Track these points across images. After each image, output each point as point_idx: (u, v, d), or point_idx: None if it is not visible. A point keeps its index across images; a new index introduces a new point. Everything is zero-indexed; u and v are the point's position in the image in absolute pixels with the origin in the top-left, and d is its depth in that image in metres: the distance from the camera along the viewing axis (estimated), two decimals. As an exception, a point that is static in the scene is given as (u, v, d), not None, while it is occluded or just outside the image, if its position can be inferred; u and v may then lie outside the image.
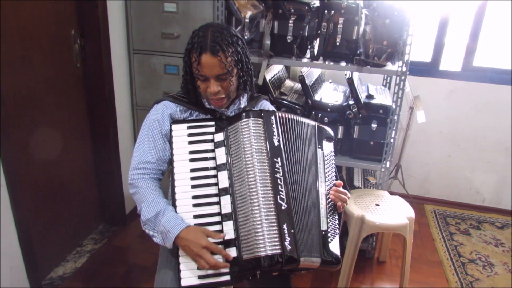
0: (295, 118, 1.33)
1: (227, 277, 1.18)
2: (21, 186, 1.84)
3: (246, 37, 2.13)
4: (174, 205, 1.24)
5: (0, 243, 1.72)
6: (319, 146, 1.36)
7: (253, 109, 1.45)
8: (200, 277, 1.18)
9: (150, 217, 1.23)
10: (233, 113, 1.41)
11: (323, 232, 1.26)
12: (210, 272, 1.17)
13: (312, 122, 1.39)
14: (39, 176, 2.06)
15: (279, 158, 1.23)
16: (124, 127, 2.54)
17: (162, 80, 2.45)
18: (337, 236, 1.29)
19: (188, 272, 1.19)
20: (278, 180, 1.20)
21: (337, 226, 1.30)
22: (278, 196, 1.19)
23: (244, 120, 1.25)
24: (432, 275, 2.36)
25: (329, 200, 1.32)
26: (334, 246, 1.27)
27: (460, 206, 3.16)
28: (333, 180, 1.36)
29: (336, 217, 1.32)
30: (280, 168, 1.22)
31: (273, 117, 1.28)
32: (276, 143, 1.25)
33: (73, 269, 2.26)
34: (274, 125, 1.27)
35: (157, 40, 2.38)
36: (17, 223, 1.79)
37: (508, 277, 2.37)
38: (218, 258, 1.18)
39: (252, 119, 1.25)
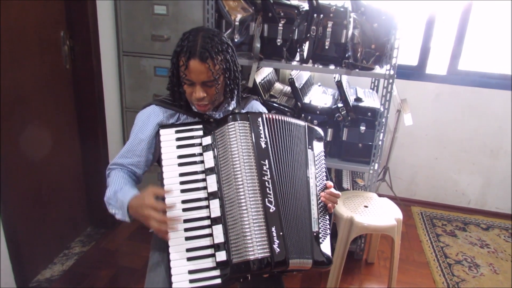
0: (283, 119, 1.34)
1: (218, 280, 1.19)
2: (8, 187, 1.81)
3: (236, 40, 2.15)
4: (164, 210, 1.24)
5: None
6: (310, 146, 1.37)
7: (242, 111, 1.46)
8: (191, 281, 1.19)
9: (110, 195, 1.29)
10: (221, 116, 1.42)
11: (315, 233, 1.27)
12: (201, 276, 1.20)
13: (302, 123, 1.40)
14: (27, 177, 2.04)
15: (266, 161, 1.24)
16: (113, 129, 2.53)
17: (152, 82, 2.46)
18: (328, 237, 1.30)
19: (180, 276, 1.20)
20: (266, 182, 1.22)
21: (328, 227, 1.32)
22: (266, 199, 1.20)
23: (231, 123, 1.26)
24: (419, 276, 2.40)
25: (320, 201, 1.33)
26: (325, 246, 1.28)
27: (446, 208, 3.22)
28: (323, 181, 1.37)
29: (327, 217, 1.33)
30: (268, 170, 1.23)
31: (260, 119, 1.29)
32: (263, 146, 1.26)
33: (60, 271, 2.24)
34: (261, 127, 1.28)
35: (147, 42, 2.38)
36: (4, 224, 1.77)
37: (494, 278, 2.41)
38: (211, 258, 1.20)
39: (238, 122, 1.26)
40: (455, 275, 2.42)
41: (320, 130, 1.45)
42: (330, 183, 1.36)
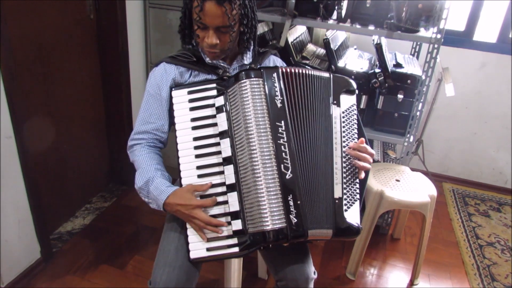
0: (302, 71, 1.19)
1: (236, 249, 1.15)
2: (29, 138, 1.78)
3: (269, -6, 1.99)
4: (179, 176, 1.19)
5: (1, 195, 1.68)
6: (335, 102, 1.21)
7: (253, 66, 1.31)
8: (208, 249, 1.16)
9: (142, 185, 1.22)
10: (236, 70, 1.30)
11: (337, 200, 1.15)
12: (219, 244, 1.16)
13: (325, 74, 1.23)
14: (49, 130, 2.01)
15: (282, 122, 1.13)
16: (137, 84, 2.45)
17: (179, 37, 2.33)
18: (357, 203, 1.17)
19: (197, 245, 1.17)
20: (282, 146, 1.11)
21: (357, 191, 1.18)
22: (282, 165, 1.10)
23: (242, 81, 1.14)
24: (447, 256, 2.29)
25: (346, 164, 1.18)
26: (351, 214, 1.16)
27: (481, 187, 3.05)
28: (353, 140, 1.21)
29: (357, 181, 1.19)
30: (284, 132, 1.12)
31: (275, 74, 1.15)
32: (279, 105, 1.13)
33: (81, 225, 2.25)
34: (277, 84, 1.15)
35: (174, -7, 2.24)
36: (25, 176, 1.74)
37: (527, 262, 2.28)
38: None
39: (251, 80, 1.13)
40: (486, 257, 2.29)
41: (349, 80, 1.25)
42: (362, 139, 1.20)
